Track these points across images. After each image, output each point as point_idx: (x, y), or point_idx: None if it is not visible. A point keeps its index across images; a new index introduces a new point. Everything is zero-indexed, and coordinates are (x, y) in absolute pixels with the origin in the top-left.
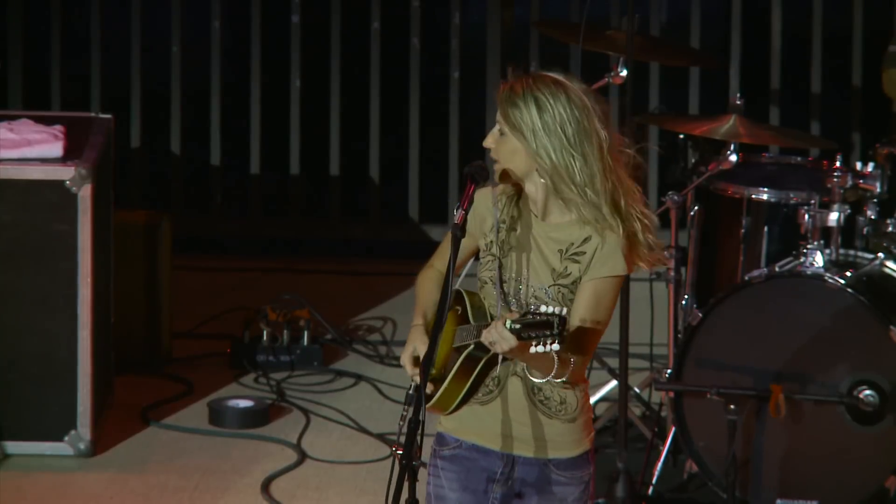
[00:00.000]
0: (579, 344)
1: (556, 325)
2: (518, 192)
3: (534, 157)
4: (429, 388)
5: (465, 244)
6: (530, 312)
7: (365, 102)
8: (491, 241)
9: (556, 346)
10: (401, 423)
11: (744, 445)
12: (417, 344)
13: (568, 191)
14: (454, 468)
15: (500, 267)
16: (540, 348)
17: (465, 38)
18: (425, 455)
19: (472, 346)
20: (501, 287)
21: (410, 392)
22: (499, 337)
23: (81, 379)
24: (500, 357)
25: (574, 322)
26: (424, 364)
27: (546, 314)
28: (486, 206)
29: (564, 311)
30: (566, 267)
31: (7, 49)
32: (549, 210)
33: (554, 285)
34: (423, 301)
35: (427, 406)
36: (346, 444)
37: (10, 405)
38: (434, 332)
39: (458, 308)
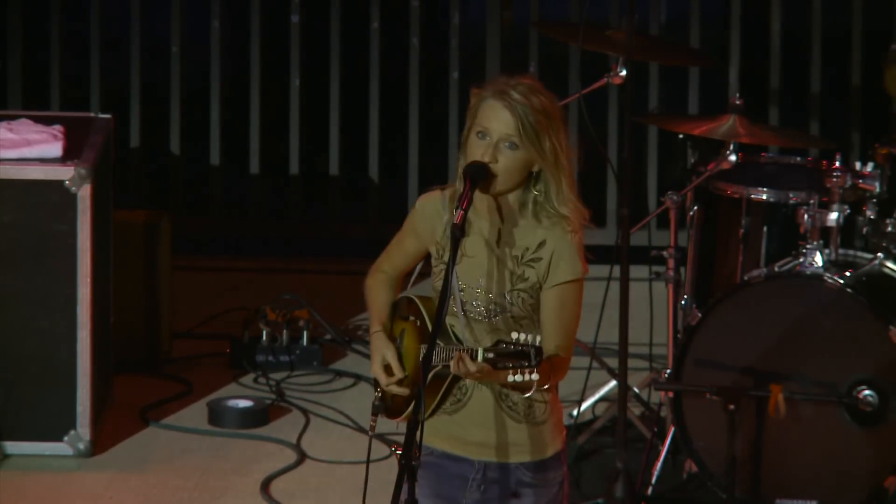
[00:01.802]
0: (556, 357)
1: (532, 357)
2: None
3: (537, 167)
4: (399, 393)
5: (413, 247)
6: (503, 342)
7: (365, 102)
8: (443, 249)
9: (535, 377)
10: (371, 432)
11: (743, 445)
12: (385, 352)
13: (546, 199)
14: (426, 475)
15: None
16: (518, 377)
17: (465, 38)
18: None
19: (439, 367)
20: (463, 308)
21: (377, 403)
22: (470, 369)
23: (81, 379)
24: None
25: (546, 333)
26: (424, 365)
27: (521, 345)
28: (435, 210)
29: (539, 339)
30: (524, 271)
31: (7, 49)
32: (508, 215)
33: (513, 290)
34: (378, 307)
35: (400, 418)
36: (345, 444)
37: (10, 405)
38: (433, 333)
39: (416, 320)
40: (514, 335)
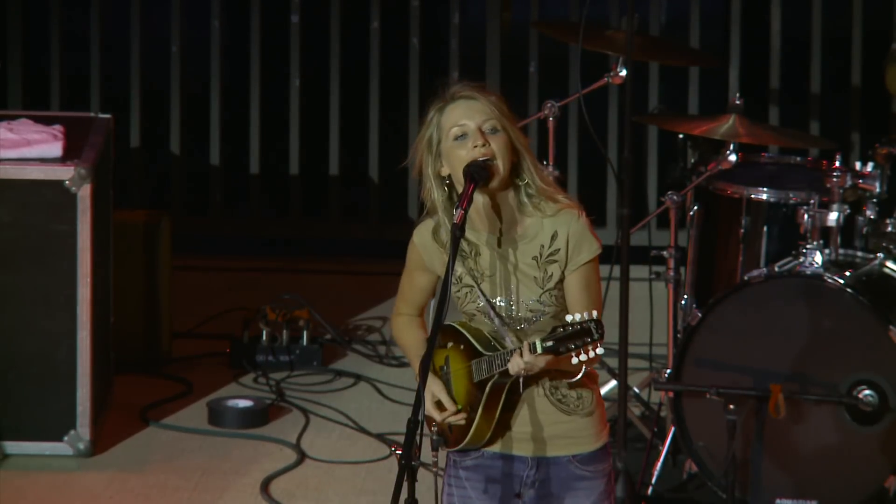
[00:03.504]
0: None
1: (594, 331)
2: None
3: (515, 148)
4: (456, 423)
5: (426, 280)
6: (559, 327)
7: (365, 102)
8: (460, 274)
9: (601, 350)
10: (434, 468)
11: (743, 445)
12: (433, 388)
13: (533, 185)
14: (478, 477)
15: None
16: (583, 357)
17: (465, 38)
18: (426, 455)
19: (496, 376)
20: (495, 312)
21: (435, 438)
22: (530, 362)
23: (81, 379)
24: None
25: (576, 313)
26: (423, 367)
27: (578, 323)
28: (432, 240)
29: (594, 314)
30: (546, 270)
31: (7, 49)
32: (511, 218)
33: (544, 292)
34: (413, 349)
35: (462, 445)
36: (345, 444)
37: (10, 405)
38: (431, 338)
39: (461, 345)
40: (569, 317)
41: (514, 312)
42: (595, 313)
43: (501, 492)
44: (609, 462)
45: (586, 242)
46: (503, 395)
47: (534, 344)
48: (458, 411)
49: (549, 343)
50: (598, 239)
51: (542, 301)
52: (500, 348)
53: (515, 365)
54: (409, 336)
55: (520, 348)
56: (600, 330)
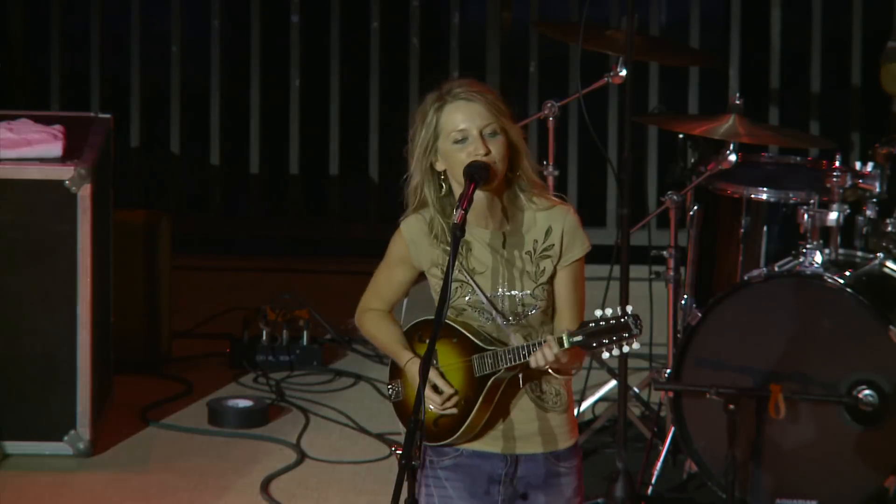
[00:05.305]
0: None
1: (633, 326)
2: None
3: (513, 145)
4: (450, 412)
5: (404, 276)
6: (591, 322)
7: (365, 102)
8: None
9: (636, 346)
10: (410, 460)
11: (743, 445)
12: (430, 374)
13: (526, 178)
14: (458, 477)
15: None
16: (616, 351)
17: (465, 38)
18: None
19: (500, 371)
20: (493, 306)
21: (412, 426)
22: (555, 356)
23: (81, 379)
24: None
25: (566, 310)
26: (423, 366)
27: (613, 317)
28: (423, 233)
29: (629, 308)
30: (538, 265)
31: (7, 49)
32: (501, 216)
33: (538, 286)
34: (394, 340)
35: (452, 438)
36: (345, 443)
37: (10, 405)
38: (432, 335)
39: (454, 338)
40: (598, 312)
41: (505, 307)
42: (630, 308)
43: (479, 490)
44: (580, 459)
45: (578, 239)
46: (499, 391)
47: (560, 338)
48: (454, 394)
49: (578, 338)
50: (587, 237)
51: (535, 295)
52: (496, 343)
53: (540, 358)
54: (387, 328)
55: (544, 342)
56: (639, 324)
